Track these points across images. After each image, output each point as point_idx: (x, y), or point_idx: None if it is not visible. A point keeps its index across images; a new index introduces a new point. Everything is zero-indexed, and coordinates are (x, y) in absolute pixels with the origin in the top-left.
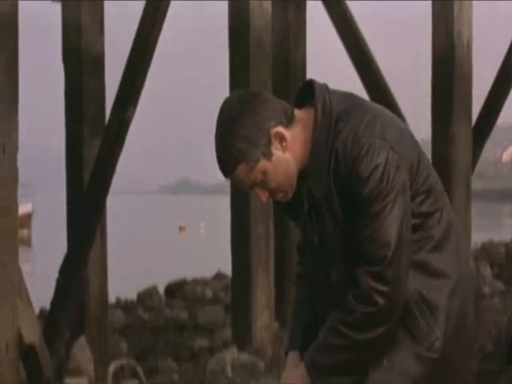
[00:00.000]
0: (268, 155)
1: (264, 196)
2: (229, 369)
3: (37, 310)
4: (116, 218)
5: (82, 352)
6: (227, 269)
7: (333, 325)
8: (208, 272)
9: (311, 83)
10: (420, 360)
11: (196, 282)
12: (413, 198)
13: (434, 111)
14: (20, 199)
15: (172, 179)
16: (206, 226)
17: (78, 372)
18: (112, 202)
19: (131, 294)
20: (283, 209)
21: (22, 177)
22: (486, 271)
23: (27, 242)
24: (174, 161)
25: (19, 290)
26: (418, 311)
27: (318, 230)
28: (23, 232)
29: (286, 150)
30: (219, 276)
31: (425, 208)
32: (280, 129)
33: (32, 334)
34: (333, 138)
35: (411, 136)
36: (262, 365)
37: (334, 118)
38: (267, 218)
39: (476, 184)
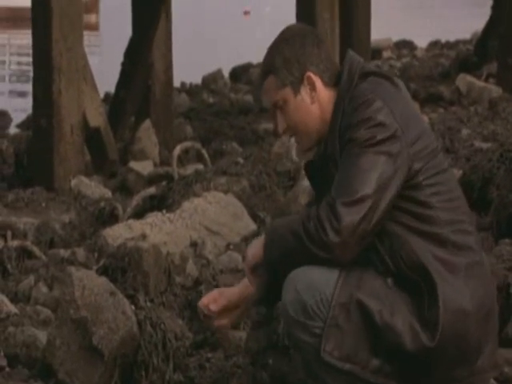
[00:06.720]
0: (295, 89)
1: (281, 125)
2: (293, 152)
3: (102, 95)
4: (180, 2)
5: (147, 135)
6: None
7: (303, 215)
8: None
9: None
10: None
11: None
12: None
13: None
14: None
15: None
16: (272, 10)
17: (142, 155)
18: None
19: (196, 79)
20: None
21: None
22: None
23: (95, 27)
24: None
25: (84, 74)
26: (425, 287)
27: (327, 185)
28: (91, 17)
29: (314, 102)
30: None
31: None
32: (314, 77)
33: (97, 118)
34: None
35: (425, 127)
36: None
37: (354, 81)
38: (333, 2)
39: None
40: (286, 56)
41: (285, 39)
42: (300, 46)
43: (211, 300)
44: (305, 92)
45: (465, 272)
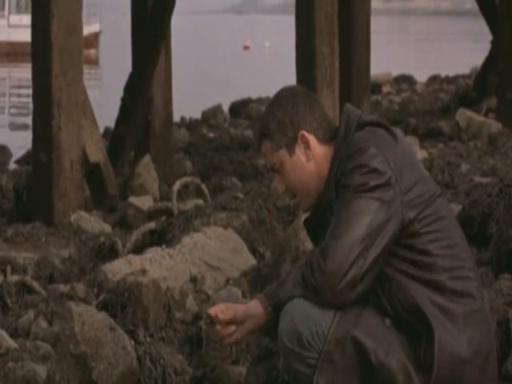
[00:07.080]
0: (290, 149)
1: (280, 187)
2: None
3: (102, 129)
4: (180, 38)
5: (147, 170)
6: None
7: (303, 263)
8: (272, 91)
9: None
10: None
11: (260, 100)
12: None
13: None
14: (87, 19)
15: None
16: (271, 45)
17: (142, 190)
18: (176, 21)
19: (196, 114)
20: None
21: None
22: None
23: (95, 62)
24: None
25: (84, 109)
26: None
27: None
28: (91, 52)
29: (309, 160)
30: None
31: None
32: (308, 135)
33: (97, 153)
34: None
35: (421, 173)
36: None
37: (351, 132)
38: (332, 37)
39: None
40: (279, 119)
41: (277, 102)
42: (292, 106)
43: (219, 311)
44: (300, 151)
45: (463, 319)
